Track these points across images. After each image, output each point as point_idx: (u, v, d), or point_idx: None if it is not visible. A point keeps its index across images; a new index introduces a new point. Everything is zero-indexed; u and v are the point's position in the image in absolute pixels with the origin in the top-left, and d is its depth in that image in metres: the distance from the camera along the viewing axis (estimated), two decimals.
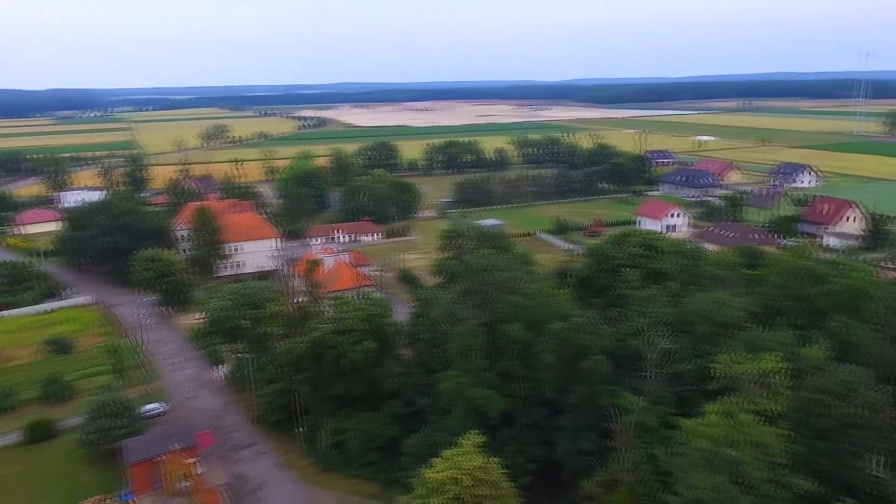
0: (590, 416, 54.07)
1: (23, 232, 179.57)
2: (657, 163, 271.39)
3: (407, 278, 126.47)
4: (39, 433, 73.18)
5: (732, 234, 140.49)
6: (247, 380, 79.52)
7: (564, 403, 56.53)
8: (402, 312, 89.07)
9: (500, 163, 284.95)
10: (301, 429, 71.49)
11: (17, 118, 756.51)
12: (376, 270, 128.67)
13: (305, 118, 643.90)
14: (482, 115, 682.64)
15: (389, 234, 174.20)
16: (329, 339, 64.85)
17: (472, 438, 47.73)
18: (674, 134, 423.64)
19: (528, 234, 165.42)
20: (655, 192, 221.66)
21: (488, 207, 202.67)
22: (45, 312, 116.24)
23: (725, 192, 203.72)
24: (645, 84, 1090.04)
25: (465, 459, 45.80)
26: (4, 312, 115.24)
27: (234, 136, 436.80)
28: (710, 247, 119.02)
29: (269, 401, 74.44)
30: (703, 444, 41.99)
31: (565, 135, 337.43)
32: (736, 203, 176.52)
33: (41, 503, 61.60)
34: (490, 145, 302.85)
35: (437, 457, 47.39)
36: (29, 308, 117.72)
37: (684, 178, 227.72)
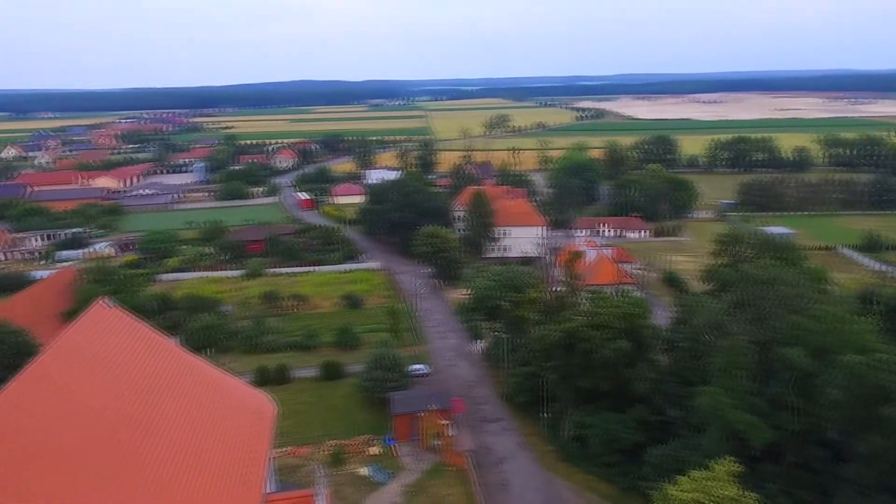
0: (886, 472, 45.06)
1: (335, 202, 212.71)
2: None
3: (671, 281, 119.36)
4: (331, 372, 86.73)
5: None
6: (500, 358, 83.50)
7: (851, 451, 47.96)
8: (661, 316, 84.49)
9: (799, 163, 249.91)
10: (545, 414, 72.79)
11: (340, 105, 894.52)
12: (639, 269, 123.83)
13: (583, 109, 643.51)
14: (781, 109, 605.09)
15: (658, 233, 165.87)
16: (582, 331, 64.55)
17: (727, 465, 43.35)
18: None
19: (827, 249, 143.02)
20: None
21: (778, 213, 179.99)
22: (345, 272, 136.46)
23: None
24: None
25: (715, 485, 41.86)
26: (315, 268, 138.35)
27: (514, 126, 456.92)
28: None
29: (518, 381, 77.17)
30: None
31: (891, 133, 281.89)
32: None
33: (327, 429, 72.96)
34: (788, 143, 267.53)
35: (683, 474, 44.20)
36: (333, 266, 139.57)
37: None
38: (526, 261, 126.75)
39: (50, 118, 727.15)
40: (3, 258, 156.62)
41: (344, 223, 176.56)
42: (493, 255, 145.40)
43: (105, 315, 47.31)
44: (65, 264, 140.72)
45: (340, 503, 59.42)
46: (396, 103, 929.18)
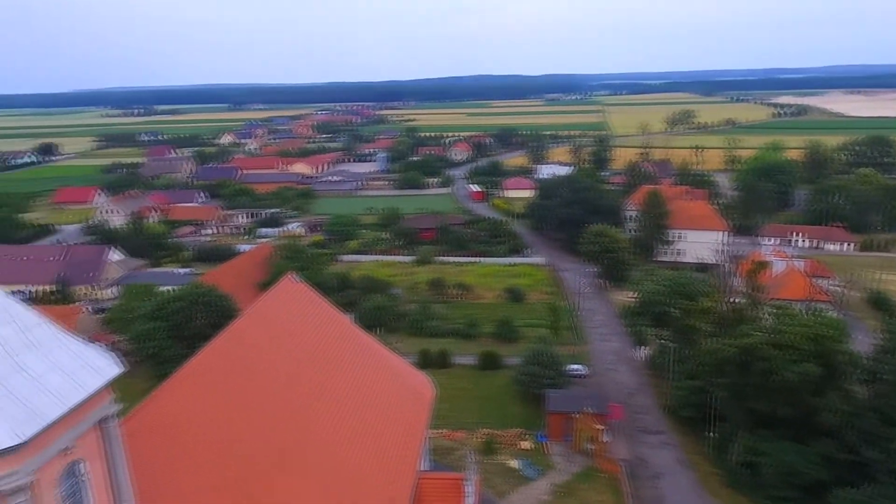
0: None
1: (505, 195, 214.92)
2: None
3: (878, 302, 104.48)
4: (489, 362, 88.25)
5: None
6: (665, 367, 79.09)
7: None
8: (862, 341, 74.32)
9: None
10: (712, 434, 67.72)
11: (516, 99, 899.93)
12: (838, 285, 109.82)
13: (782, 105, 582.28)
14: None
15: (865, 247, 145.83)
16: (762, 349, 58.92)
17: None
18: None
19: None
20: None
21: None
22: (509, 265, 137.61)
23: None
24: None
25: None
26: (481, 259, 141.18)
27: (699, 122, 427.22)
28: None
29: (683, 395, 72.58)
30: None
31: None
32: None
33: (481, 417, 74.49)
34: None
35: None
36: (499, 259, 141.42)
37: None
38: (701, 267, 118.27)
39: (260, 109, 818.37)
40: (215, 231, 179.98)
41: (512, 217, 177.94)
42: (665, 258, 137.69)
43: (292, 288, 52.50)
44: (263, 240, 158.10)
45: (489, 491, 60.42)
46: (573, 98, 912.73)
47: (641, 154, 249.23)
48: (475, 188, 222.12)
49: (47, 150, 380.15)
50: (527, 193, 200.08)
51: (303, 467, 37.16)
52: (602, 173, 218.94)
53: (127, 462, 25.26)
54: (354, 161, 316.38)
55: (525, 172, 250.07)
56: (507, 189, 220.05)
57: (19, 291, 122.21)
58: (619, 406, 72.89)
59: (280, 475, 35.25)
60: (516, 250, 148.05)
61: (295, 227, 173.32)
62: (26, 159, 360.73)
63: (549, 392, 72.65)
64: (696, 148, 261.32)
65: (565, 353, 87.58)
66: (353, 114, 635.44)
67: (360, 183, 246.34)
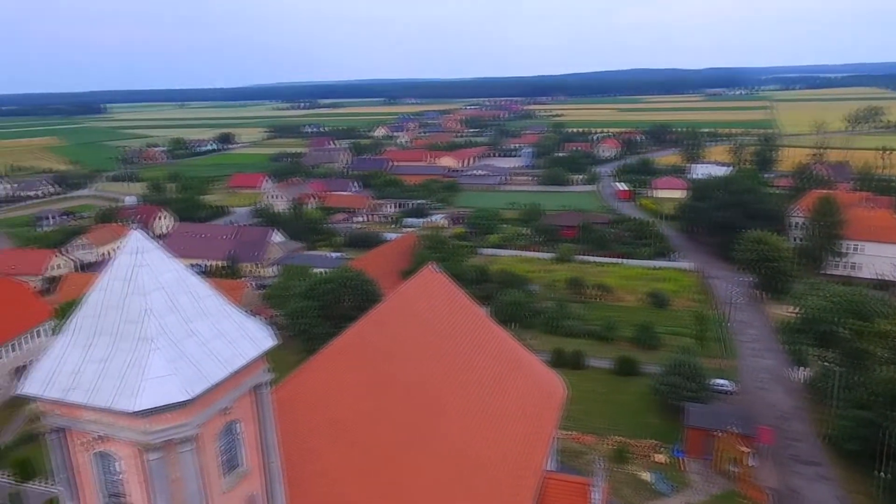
0: None
1: (654, 195, 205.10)
2: None
3: None
4: (625, 367, 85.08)
5: None
6: (828, 393, 71.40)
7: None
8: None
9: None
10: (883, 473, 60.10)
11: (673, 94, 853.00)
12: None
13: None
14: None
15: None
16: None
17: None
18: None
19: None
20: None
21: None
22: (654, 268, 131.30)
23: None
24: None
25: None
26: (624, 260, 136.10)
27: (888, 121, 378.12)
28: None
29: (849, 426, 65.04)
30: None
31: None
32: None
33: (613, 423, 72.15)
34: None
35: None
36: (643, 261, 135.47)
37: None
38: (881, 284, 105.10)
39: (412, 104, 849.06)
40: (365, 219, 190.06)
41: (660, 218, 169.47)
42: (836, 272, 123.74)
43: (432, 278, 54.13)
44: (408, 230, 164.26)
45: (617, 501, 58.44)
46: (737, 93, 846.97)
47: (814, 155, 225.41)
48: (622, 187, 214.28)
49: (226, 140, 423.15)
50: (678, 194, 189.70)
51: (432, 453, 38.37)
52: (765, 175, 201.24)
53: (275, 427, 27.64)
54: (500, 156, 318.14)
55: (677, 172, 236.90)
56: (656, 189, 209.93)
57: (196, 265, 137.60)
58: (769, 429, 67.03)
59: (409, 458, 36.68)
60: (662, 253, 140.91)
61: (439, 219, 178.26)
62: (209, 147, 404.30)
63: (689, 405, 68.57)
64: (883, 150, 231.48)
65: (710, 365, 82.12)
66: (500, 109, 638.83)
67: (503, 177, 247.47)
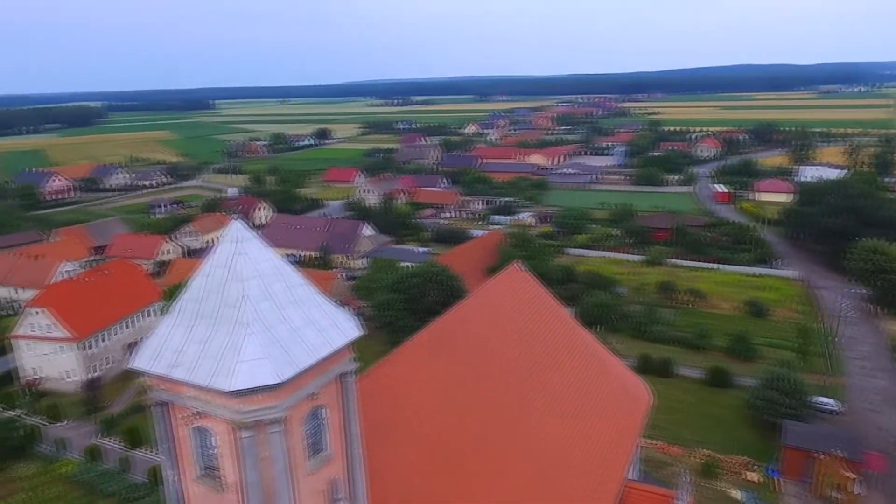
0: None
1: (756, 198, 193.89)
2: None
3: None
4: (718, 378, 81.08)
5: None
6: None
7: None
8: None
9: None
10: None
11: (782, 91, 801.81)
12: None
13: None
14: None
15: None
16: None
17: None
18: None
19: None
20: None
21: None
22: (753, 275, 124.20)
23: None
24: None
25: None
26: (720, 266, 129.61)
27: None
28: None
29: None
30: None
31: None
32: None
33: (702, 436, 69.02)
34: None
35: None
36: (741, 267, 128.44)
37: None
38: None
39: (504, 101, 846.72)
40: (453, 215, 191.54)
41: (762, 222, 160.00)
42: None
43: (517, 276, 53.83)
44: (495, 227, 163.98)
45: None
46: (856, 90, 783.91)
47: None
48: (720, 188, 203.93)
49: (322, 135, 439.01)
50: (783, 198, 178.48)
51: (512, 450, 38.23)
52: (885, 179, 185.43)
53: (358, 415, 28.44)
54: (591, 154, 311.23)
55: (783, 174, 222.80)
56: (758, 191, 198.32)
57: (291, 255, 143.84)
58: (879, 455, 61.87)
59: (489, 454, 36.71)
60: (763, 260, 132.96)
61: (526, 217, 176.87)
62: (306, 142, 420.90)
63: (787, 423, 64.46)
64: None
65: (813, 382, 76.80)
66: (594, 106, 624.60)
67: (594, 177, 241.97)
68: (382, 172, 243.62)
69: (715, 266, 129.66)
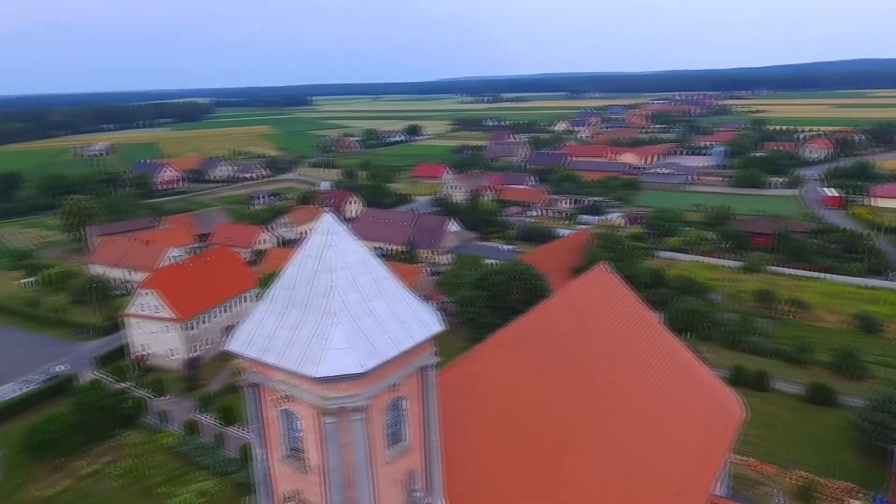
0: None
1: (872, 204, 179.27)
2: None
3: None
4: (819, 395, 75.68)
5: None
6: None
7: None
8: None
9: None
10: None
11: None
12: None
13: None
14: None
15: None
16: None
17: None
18: None
19: None
20: None
21: None
22: (864, 287, 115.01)
23: None
24: None
25: None
26: (826, 275, 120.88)
27: None
28: None
29: None
30: None
31: None
32: None
33: (799, 456, 64.79)
34: None
35: None
36: (851, 278, 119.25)
37: None
38: None
39: (596, 98, 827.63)
40: (539, 214, 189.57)
41: (877, 230, 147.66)
42: None
43: (603, 278, 52.64)
44: (582, 227, 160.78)
45: None
46: None
47: None
48: (831, 192, 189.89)
49: (413, 131, 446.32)
50: None
51: (592, 452, 37.48)
52: None
53: (438, 408, 28.79)
54: (687, 154, 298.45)
55: None
56: (875, 196, 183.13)
57: (379, 248, 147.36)
58: None
59: (568, 454, 36.17)
60: (878, 271, 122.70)
61: (615, 218, 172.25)
62: (397, 137, 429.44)
63: None
64: None
65: None
66: (692, 103, 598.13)
67: (690, 177, 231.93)
68: (470, 169, 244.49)
69: (821, 275, 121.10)
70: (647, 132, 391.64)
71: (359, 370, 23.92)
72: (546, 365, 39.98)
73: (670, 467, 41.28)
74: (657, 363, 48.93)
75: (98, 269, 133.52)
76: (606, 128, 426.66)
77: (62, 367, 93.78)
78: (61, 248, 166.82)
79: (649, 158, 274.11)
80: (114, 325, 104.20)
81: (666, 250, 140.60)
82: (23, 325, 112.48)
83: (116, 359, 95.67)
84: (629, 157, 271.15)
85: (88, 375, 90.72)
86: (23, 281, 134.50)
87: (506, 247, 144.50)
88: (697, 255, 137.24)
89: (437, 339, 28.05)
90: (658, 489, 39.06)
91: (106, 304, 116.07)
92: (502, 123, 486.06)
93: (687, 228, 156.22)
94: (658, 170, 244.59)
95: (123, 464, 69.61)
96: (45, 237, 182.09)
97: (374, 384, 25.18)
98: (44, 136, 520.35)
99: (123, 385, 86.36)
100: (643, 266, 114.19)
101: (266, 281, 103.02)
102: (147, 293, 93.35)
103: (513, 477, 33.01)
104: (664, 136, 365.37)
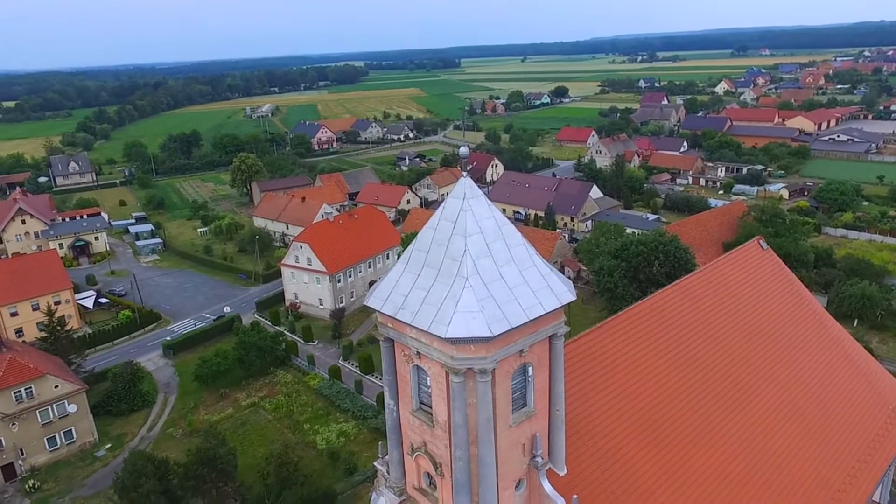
0: None
1: None
2: None
3: None
4: None
5: None
6: None
7: None
8: None
9: None
10: None
11: None
12: None
13: None
14: None
15: None
16: None
17: None
18: None
19: None
20: None
21: None
22: None
23: None
24: None
25: None
26: None
27: None
28: None
29: None
30: None
31: None
32: None
33: None
34: None
35: None
36: None
37: None
38: None
39: (766, 55, 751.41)
40: (690, 182, 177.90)
41: None
42: None
43: (758, 255, 48.61)
44: (738, 198, 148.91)
45: None
46: None
47: None
48: None
49: (560, 93, 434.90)
50: None
51: (726, 442, 35.45)
52: None
53: (564, 377, 28.58)
54: (873, 118, 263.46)
55: None
56: None
57: (517, 212, 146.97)
58: None
59: (699, 440, 34.50)
60: None
61: (777, 189, 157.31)
62: (543, 100, 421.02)
63: None
64: None
65: None
66: (886, 60, 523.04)
67: (873, 145, 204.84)
68: (617, 133, 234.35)
69: None
70: (824, 93, 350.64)
71: (487, 334, 24.29)
72: (684, 345, 38.03)
73: (818, 466, 37.98)
74: (815, 352, 44.71)
75: (260, 222, 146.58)
76: (775, 88, 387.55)
77: (228, 309, 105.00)
78: (231, 201, 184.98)
79: (825, 123, 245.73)
80: (272, 274, 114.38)
81: (836, 227, 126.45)
82: (200, 269, 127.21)
83: (273, 304, 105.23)
84: (800, 122, 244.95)
85: (250, 318, 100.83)
86: (199, 230, 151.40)
87: (650, 216, 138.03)
88: (876, 233, 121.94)
89: (570, 307, 27.64)
90: (803, 489, 36.16)
91: (266, 254, 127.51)
92: (656, 84, 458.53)
93: (865, 203, 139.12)
94: (835, 136, 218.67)
95: (276, 399, 77.18)
96: (218, 191, 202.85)
97: (502, 349, 25.46)
98: (220, 98, 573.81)
99: (278, 328, 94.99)
100: (806, 244, 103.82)
101: (407, 241, 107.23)
102: (301, 246, 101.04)
103: (637, 452, 32.15)
104: (845, 97, 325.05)
